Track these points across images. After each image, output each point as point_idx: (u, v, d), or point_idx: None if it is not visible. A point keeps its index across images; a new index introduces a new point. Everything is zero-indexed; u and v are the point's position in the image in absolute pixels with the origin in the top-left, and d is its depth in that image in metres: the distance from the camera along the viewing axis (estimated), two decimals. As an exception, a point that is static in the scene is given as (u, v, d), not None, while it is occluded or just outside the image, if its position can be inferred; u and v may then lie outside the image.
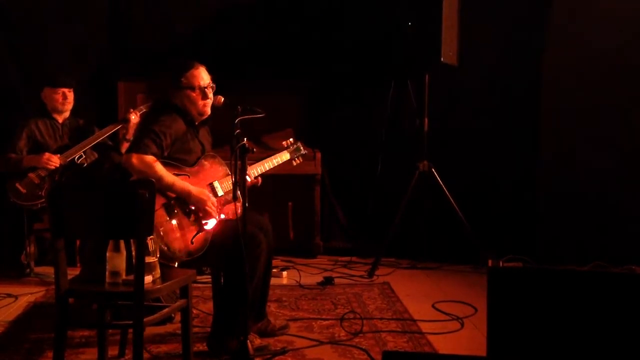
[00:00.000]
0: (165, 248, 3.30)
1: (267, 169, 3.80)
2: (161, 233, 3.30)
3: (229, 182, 3.57)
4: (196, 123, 3.64)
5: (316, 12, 5.71)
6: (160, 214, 3.32)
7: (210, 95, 3.60)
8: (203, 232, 3.44)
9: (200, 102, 3.57)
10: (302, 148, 3.97)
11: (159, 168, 3.37)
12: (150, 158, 3.36)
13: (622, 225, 4.73)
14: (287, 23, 5.73)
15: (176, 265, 3.33)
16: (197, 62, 3.63)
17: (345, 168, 5.79)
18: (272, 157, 3.87)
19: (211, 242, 3.45)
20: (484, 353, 2.39)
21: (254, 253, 3.39)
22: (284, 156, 3.91)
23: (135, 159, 3.35)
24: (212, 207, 3.45)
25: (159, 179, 3.31)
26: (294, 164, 3.98)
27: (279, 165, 3.93)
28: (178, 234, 3.38)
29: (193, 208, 3.44)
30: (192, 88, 3.56)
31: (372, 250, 5.17)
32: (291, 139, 3.98)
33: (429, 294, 4.47)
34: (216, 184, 3.58)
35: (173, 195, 3.41)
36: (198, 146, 3.62)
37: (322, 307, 4.18)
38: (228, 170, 3.63)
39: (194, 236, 3.42)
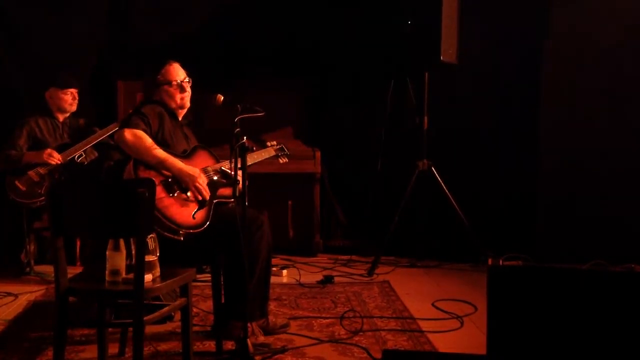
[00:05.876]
0: (167, 221, 3.33)
1: (249, 163, 3.84)
2: (161, 207, 3.34)
3: (221, 170, 3.68)
4: (179, 118, 3.79)
5: (315, 10, 5.71)
6: (158, 190, 3.36)
7: (188, 88, 3.79)
8: (204, 209, 3.50)
9: (178, 96, 3.76)
10: (285, 149, 4.13)
11: (151, 142, 3.47)
12: (142, 132, 3.47)
13: (622, 224, 4.73)
14: (286, 21, 5.73)
15: (182, 239, 3.36)
16: (170, 59, 3.82)
17: (345, 167, 5.80)
18: (255, 152, 3.96)
19: (211, 225, 3.48)
20: (483, 351, 2.39)
21: (256, 234, 3.46)
22: (269, 152, 4.04)
23: (127, 133, 3.46)
24: (202, 184, 3.50)
25: (152, 153, 3.43)
26: (281, 162, 4.13)
27: (273, 163, 4.13)
28: (179, 208, 3.43)
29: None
30: (169, 83, 3.74)
31: (372, 249, 5.18)
32: (275, 142, 4.14)
33: (428, 292, 4.47)
34: (209, 168, 3.67)
35: (168, 173, 3.46)
36: (183, 137, 3.76)
37: (322, 306, 4.19)
38: (220, 160, 3.74)
39: (195, 212, 3.47)
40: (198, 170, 3.55)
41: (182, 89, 3.76)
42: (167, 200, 3.41)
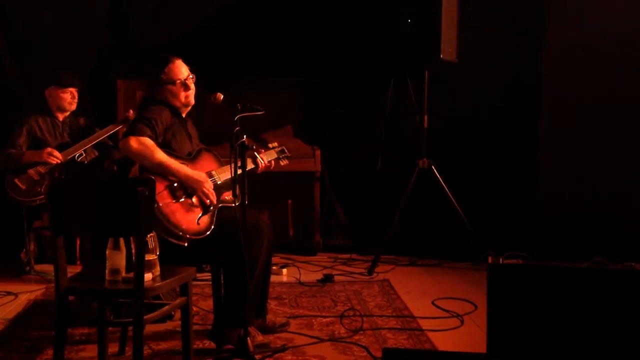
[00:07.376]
0: (173, 227, 3.32)
1: (251, 167, 3.86)
2: (167, 213, 3.33)
3: (226, 173, 3.65)
4: (183, 115, 3.75)
5: (316, 9, 5.70)
6: (164, 195, 3.36)
7: (192, 85, 3.72)
8: (209, 214, 3.49)
9: (183, 94, 3.70)
10: (286, 151, 4.08)
11: (157, 149, 3.44)
12: (147, 140, 3.43)
13: (622, 222, 4.73)
14: (286, 20, 5.73)
15: (186, 244, 3.35)
16: (173, 56, 3.74)
17: (345, 165, 5.80)
18: (261, 155, 3.94)
19: (214, 229, 3.46)
20: (484, 350, 2.39)
21: (256, 242, 3.44)
22: (271, 155, 3.98)
23: (133, 141, 3.42)
24: (210, 189, 3.50)
25: (158, 160, 3.41)
26: (282, 163, 4.06)
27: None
28: (184, 214, 3.41)
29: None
30: (173, 82, 3.67)
31: (372, 248, 5.17)
32: (276, 143, 4.10)
33: (428, 291, 4.47)
34: (214, 172, 3.64)
35: (174, 178, 3.45)
36: (187, 137, 3.72)
37: (322, 305, 4.19)
38: (224, 163, 3.71)
39: (200, 217, 3.45)
40: (204, 174, 3.54)
41: (186, 87, 3.69)
42: (173, 206, 3.40)
